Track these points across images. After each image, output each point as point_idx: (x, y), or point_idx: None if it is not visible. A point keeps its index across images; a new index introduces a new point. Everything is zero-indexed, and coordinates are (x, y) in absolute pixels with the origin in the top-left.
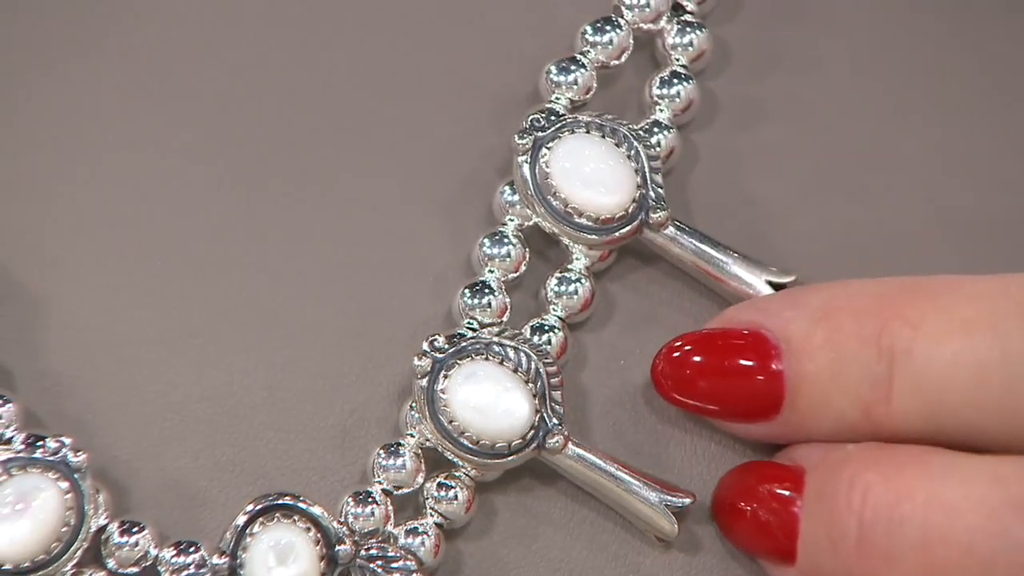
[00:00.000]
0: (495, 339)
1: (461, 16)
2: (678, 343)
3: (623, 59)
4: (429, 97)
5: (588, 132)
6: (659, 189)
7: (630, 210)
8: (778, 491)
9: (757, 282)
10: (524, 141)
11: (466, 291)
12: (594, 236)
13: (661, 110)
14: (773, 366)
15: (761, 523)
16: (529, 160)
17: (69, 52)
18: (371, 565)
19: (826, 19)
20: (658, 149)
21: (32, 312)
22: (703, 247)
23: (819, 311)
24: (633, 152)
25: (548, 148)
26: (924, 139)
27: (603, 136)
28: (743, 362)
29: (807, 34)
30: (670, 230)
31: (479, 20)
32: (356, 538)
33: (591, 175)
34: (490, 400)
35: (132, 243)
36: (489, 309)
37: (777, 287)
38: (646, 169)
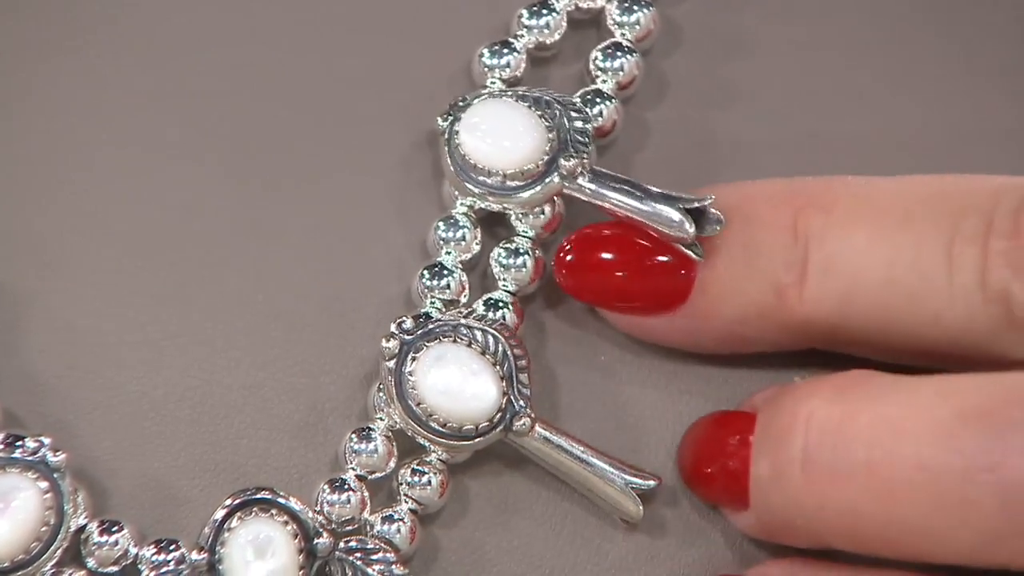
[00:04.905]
0: (463, 321)
1: (431, 9)
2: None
3: (556, 37)
4: (401, 90)
5: (500, 99)
6: (582, 136)
7: (545, 160)
8: (735, 441)
9: (673, 213)
10: (444, 124)
11: (425, 272)
12: (521, 195)
13: (603, 81)
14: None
15: (729, 473)
16: (447, 141)
17: (57, 50)
18: (350, 558)
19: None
20: (590, 112)
21: (13, 312)
22: (623, 187)
23: (733, 203)
24: (544, 110)
25: (457, 128)
26: (881, 120)
27: (515, 100)
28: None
29: (760, 15)
30: (585, 181)
31: (449, 14)
32: (333, 527)
33: (499, 133)
34: (458, 383)
35: (113, 243)
36: (448, 290)
37: (695, 213)
38: (564, 120)
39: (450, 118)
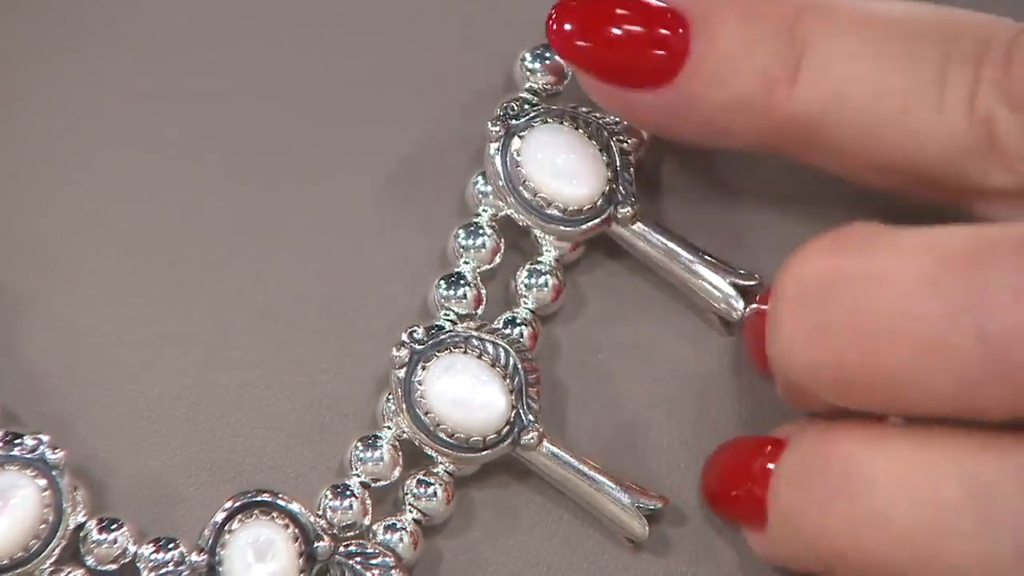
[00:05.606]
0: (474, 333)
1: (432, 9)
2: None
3: None
4: (401, 89)
5: (562, 123)
6: (629, 185)
7: (599, 203)
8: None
9: (722, 284)
10: (496, 128)
11: (441, 282)
12: (563, 227)
13: None
14: (679, 30)
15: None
16: (501, 148)
17: (57, 50)
18: (349, 562)
19: None
20: (629, 143)
21: (13, 312)
22: (670, 245)
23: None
24: (605, 145)
25: (520, 137)
26: None
27: (576, 128)
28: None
29: None
30: (638, 226)
31: (450, 13)
32: (334, 531)
33: (562, 166)
34: (467, 393)
35: (113, 243)
36: (464, 300)
37: (743, 290)
38: (617, 163)
39: (501, 126)
